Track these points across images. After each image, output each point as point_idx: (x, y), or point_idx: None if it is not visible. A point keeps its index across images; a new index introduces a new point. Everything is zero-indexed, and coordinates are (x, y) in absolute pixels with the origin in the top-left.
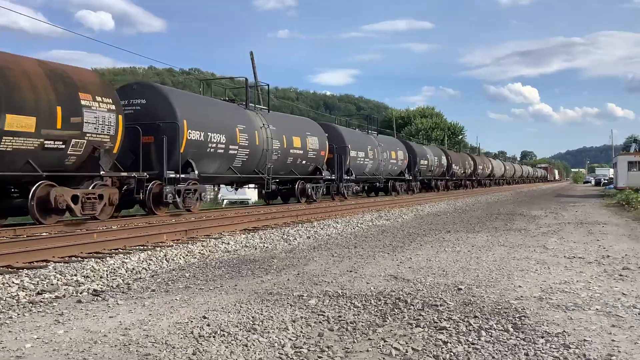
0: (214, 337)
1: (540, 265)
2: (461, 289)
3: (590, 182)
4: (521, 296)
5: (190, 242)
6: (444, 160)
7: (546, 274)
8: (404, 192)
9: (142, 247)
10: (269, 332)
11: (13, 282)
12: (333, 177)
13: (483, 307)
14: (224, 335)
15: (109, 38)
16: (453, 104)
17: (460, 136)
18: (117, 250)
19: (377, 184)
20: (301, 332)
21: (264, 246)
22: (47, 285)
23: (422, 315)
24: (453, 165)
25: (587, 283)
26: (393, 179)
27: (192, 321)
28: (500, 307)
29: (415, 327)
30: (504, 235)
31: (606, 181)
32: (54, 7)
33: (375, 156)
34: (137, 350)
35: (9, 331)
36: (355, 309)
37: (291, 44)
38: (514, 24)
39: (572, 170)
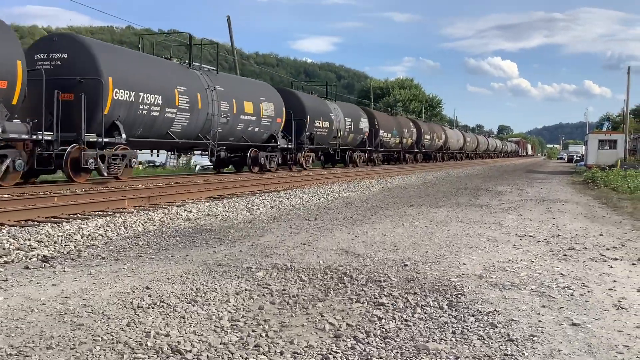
0: (152, 308)
1: (490, 242)
2: (407, 265)
3: (563, 158)
4: (463, 274)
5: (152, 208)
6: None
7: (493, 251)
8: (364, 164)
9: (101, 213)
10: (209, 304)
11: None
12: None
13: (424, 283)
14: (163, 306)
15: None
16: (433, 76)
17: (438, 109)
18: (75, 215)
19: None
20: (242, 304)
21: (225, 215)
22: None
23: (364, 291)
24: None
25: (530, 262)
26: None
27: (134, 291)
28: (440, 285)
29: (355, 302)
30: (464, 211)
31: (578, 158)
32: None
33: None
34: (71, 320)
35: None
36: (300, 282)
37: (271, 8)
38: None
39: (548, 145)
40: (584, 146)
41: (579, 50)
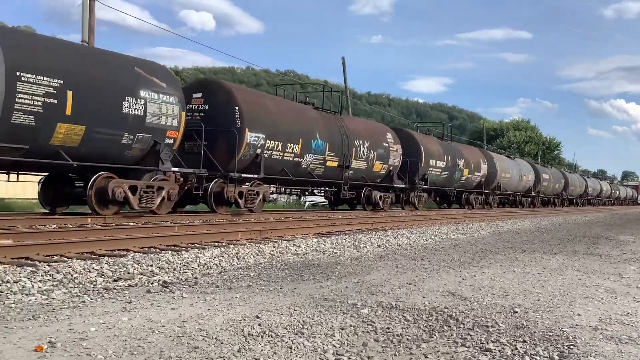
0: (261, 336)
1: (608, 294)
2: (517, 311)
3: None
4: (577, 324)
5: (263, 242)
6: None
7: (611, 303)
8: (479, 206)
9: (216, 244)
10: (315, 337)
11: (93, 268)
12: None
13: (534, 332)
14: (271, 335)
15: (209, 38)
16: (550, 118)
17: (556, 152)
18: (193, 245)
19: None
20: (347, 339)
21: (332, 251)
22: (123, 274)
23: (470, 335)
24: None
25: None
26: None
27: (245, 319)
28: (551, 334)
29: (461, 346)
30: (581, 259)
31: None
32: (159, 6)
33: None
34: (187, 342)
35: (80, 314)
36: (405, 322)
37: (384, 49)
38: (619, 38)
39: None
40: None
41: None
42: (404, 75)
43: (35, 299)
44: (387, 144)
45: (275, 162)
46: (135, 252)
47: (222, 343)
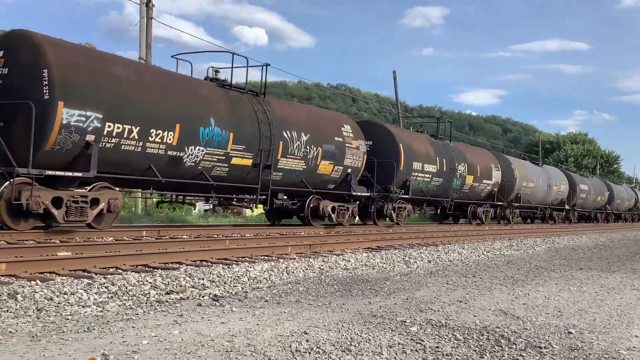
0: (309, 353)
1: None
2: (572, 332)
3: None
4: (634, 347)
5: (312, 256)
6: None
7: None
8: (561, 222)
9: (266, 258)
10: (362, 354)
11: (147, 281)
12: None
13: (589, 354)
14: (319, 352)
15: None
16: (609, 130)
17: (615, 165)
18: (244, 259)
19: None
20: (395, 357)
21: (382, 267)
22: (175, 287)
23: (522, 356)
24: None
25: None
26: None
27: (293, 335)
28: (607, 356)
29: None
30: None
31: None
32: (213, 23)
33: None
34: (236, 358)
35: (133, 327)
36: (455, 341)
37: (435, 62)
38: None
39: None
40: None
41: None
42: (456, 88)
43: (91, 311)
44: (341, 139)
45: (131, 155)
46: (187, 265)
47: (269, 359)
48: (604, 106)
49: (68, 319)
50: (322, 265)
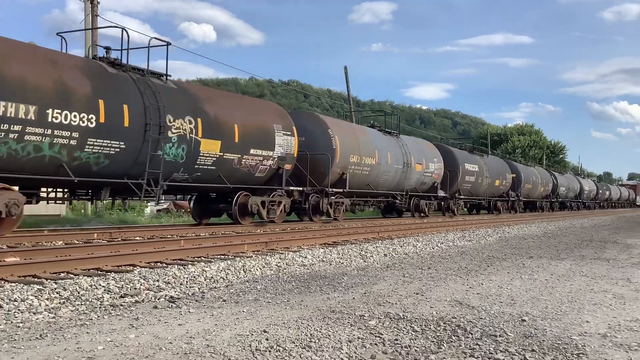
0: (269, 351)
1: (616, 299)
2: (525, 320)
3: None
4: (585, 332)
5: (269, 253)
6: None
7: (620, 309)
8: (506, 211)
9: (223, 257)
10: (323, 350)
11: (100, 285)
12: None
13: (543, 340)
14: (279, 350)
15: (211, 49)
16: (553, 122)
17: (561, 155)
18: (200, 258)
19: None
20: (354, 352)
21: (339, 262)
22: (130, 290)
23: (479, 345)
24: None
25: None
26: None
27: (252, 334)
28: (560, 342)
29: (469, 356)
30: (589, 264)
31: None
32: (160, 19)
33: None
34: (195, 359)
35: (87, 332)
36: (413, 333)
37: (385, 57)
38: (619, 41)
39: None
40: None
41: None
42: (406, 82)
43: (43, 318)
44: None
45: None
46: (141, 267)
47: (229, 359)
48: (548, 98)
49: (19, 327)
50: (279, 263)
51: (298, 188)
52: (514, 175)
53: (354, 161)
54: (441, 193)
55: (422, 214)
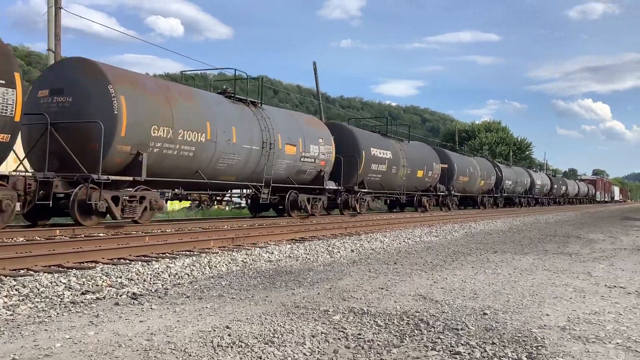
0: (231, 347)
1: (576, 293)
2: (487, 313)
3: None
4: (545, 325)
5: (235, 249)
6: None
7: (579, 303)
8: (436, 208)
9: (188, 253)
10: (285, 345)
11: (61, 282)
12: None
13: (504, 333)
14: (241, 346)
15: (178, 44)
16: (520, 119)
17: (527, 152)
18: (164, 255)
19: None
20: (317, 347)
21: (306, 257)
22: (91, 286)
23: (441, 339)
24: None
25: (618, 315)
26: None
27: (215, 330)
28: (520, 335)
29: (431, 350)
30: (551, 259)
31: None
32: (126, 13)
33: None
34: (155, 356)
35: (45, 329)
36: (377, 327)
37: (354, 53)
38: (584, 39)
39: None
40: None
41: None
42: (376, 79)
43: (0, 315)
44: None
45: None
46: (104, 263)
47: (190, 355)
48: (515, 95)
49: None
50: (245, 259)
51: (334, 187)
52: (445, 165)
53: (158, 135)
54: (332, 185)
55: (306, 212)
